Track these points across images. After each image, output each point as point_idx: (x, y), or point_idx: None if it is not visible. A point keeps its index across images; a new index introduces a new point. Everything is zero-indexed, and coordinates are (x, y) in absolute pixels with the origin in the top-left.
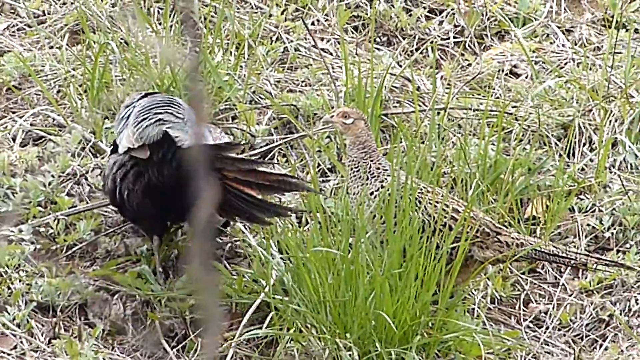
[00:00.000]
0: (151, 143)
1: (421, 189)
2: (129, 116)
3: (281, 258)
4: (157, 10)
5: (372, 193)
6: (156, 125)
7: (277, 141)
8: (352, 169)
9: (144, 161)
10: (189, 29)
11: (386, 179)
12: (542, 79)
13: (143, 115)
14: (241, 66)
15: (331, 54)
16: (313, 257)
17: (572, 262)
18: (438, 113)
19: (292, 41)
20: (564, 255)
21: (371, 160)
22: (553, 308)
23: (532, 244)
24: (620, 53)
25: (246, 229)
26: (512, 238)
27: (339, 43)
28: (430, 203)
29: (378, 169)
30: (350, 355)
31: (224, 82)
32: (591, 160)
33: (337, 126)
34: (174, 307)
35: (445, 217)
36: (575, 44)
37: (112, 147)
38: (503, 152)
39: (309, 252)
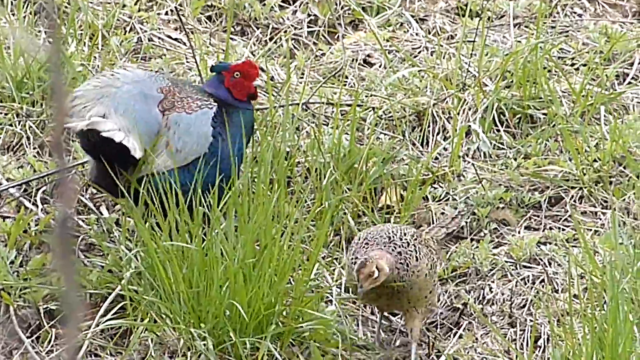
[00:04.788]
0: None
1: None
2: None
3: (137, 250)
4: (10, 1)
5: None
6: None
7: None
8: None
9: None
10: (43, 19)
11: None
12: (396, 68)
13: None
14: (95, 57)
15: (184, 44)
16: (168, 248)
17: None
18: (292, 102)
19: (145, 31)
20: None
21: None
22: None
23: None
24: (474, 42)
25: (100, 221)
26: None
27: (192, 33)
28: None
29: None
30: (204, 345)
31: (77, 73)
32: (445, 149)
33: (373, 287)
34: (28, 298)
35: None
36: (429, 33)
37: None
38: (357, 142)
39: (161, 244)
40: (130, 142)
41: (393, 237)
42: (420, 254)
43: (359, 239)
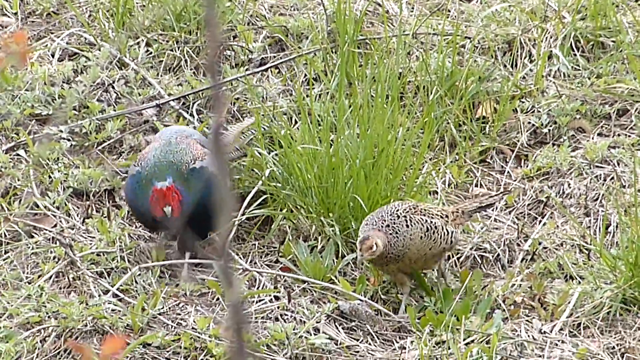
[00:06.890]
0: None
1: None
2: None
3: (275, 153)
4: None
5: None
6: None
7: (269, 57)
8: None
9: None
10: None
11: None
12: (490, 3)
13: None
14: None
15: None
16: (301, 151)
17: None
18: (404, 32)
19: None
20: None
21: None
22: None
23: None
24: None
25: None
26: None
27: None
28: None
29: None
30: (332, 230)
31: (226, 8)
32: (531, 70)
33: (371, 258)
34: None
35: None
36: None
37: None
38: (458, 64)
39: (295, 148)
40: None
41: (384, 214)
42: (412, 221)
43: (364, 223)
